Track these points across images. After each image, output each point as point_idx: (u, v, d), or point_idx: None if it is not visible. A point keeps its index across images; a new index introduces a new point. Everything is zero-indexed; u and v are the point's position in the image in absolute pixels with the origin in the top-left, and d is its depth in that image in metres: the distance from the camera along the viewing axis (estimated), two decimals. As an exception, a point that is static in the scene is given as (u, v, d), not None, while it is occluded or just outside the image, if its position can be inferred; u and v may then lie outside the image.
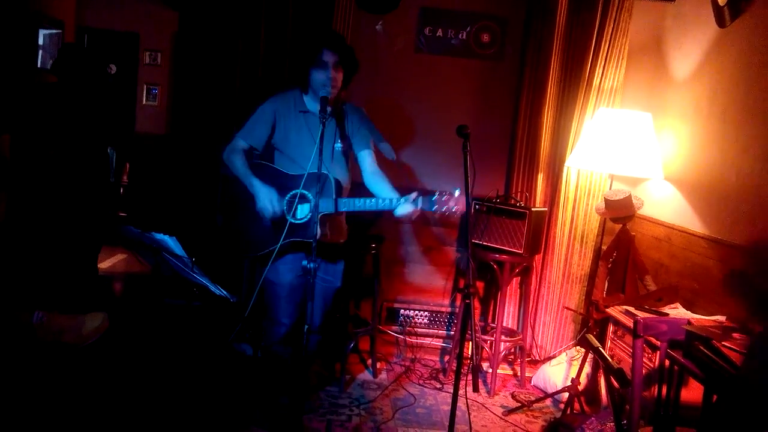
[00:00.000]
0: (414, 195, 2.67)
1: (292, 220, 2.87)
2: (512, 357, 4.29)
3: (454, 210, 2.59)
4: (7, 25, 3.49)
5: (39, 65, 3.91)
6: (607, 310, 3.24)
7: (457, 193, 2.58)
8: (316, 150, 2.65)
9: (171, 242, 2.54)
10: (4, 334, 2.82)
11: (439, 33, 4.21)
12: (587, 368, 3.53)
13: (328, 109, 2.86)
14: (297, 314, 3.05)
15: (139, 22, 4.11)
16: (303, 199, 2.89)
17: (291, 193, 2.90)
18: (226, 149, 3.04)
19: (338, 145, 3.02)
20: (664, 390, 2.29)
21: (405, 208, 2.68)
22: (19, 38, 3.54)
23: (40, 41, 3.89)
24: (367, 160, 3.05)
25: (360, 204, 2.80)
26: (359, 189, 3.04)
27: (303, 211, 2.90)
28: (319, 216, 2.72)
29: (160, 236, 2.55)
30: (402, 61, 4.23)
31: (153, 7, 4.20)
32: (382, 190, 2.92)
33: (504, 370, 4.19)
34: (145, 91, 4.20)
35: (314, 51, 2.89)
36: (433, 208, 2.60)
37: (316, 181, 2.63)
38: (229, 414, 3.16)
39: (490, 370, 3.87)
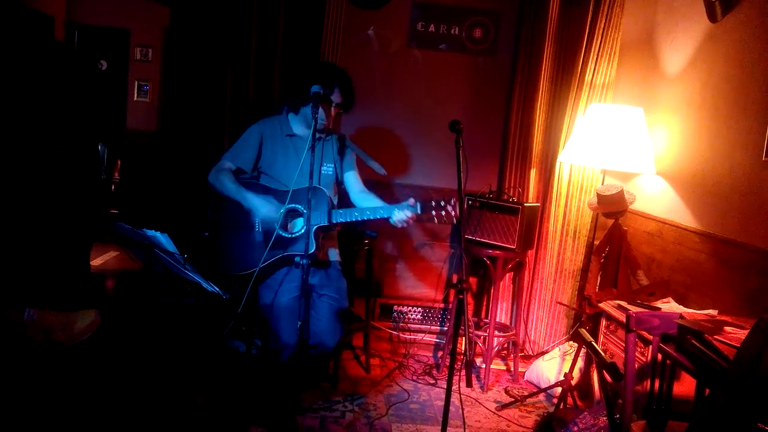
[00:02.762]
0: (411, 201, 2.75)
1: (286, 234, 2.91)
2: (505, 352, 4.30)
3: (453, 220, 2.71)
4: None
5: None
6: (599, 304, 3.25)
7: (450, 205, 2.68)
8: (306, 169, 2.66)
9: (163, 239, 2.53)
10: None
11: (432, 28, 4.21)
12: (580, 363, 3.54)
13: (318, 135, 2.94)
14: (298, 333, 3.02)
15: (130, 18, 4.09)
16: (296, 213, 2.93)
17: (284, 207, 2.90)
18: (211, 171, 3.05)
19: (325, 169, 3.09)
20: (657, 384, 2.30)
21: (402, 214, 2.75)
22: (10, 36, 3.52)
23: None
24: (353, 180, 3.15)
25: (357, 214, 2.86)
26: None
27: (297, 225, 2.95)
28: (315, 229, 2.81)
29: (151, 233, 2.54)
30: (394, 56, 4.22)
31: (144, 2, 4.17)
32: (374, 203, 2.99)
33: (497, 365, 4.20)
34: (136, 88, 4.18)
35: (327, 84, 2.93)
36: (431, 213, 2.71)
37: (309, 195, 2.66)
38: (224, 411, 3.15)
39: (484, 366, 3.88)
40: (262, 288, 3.00)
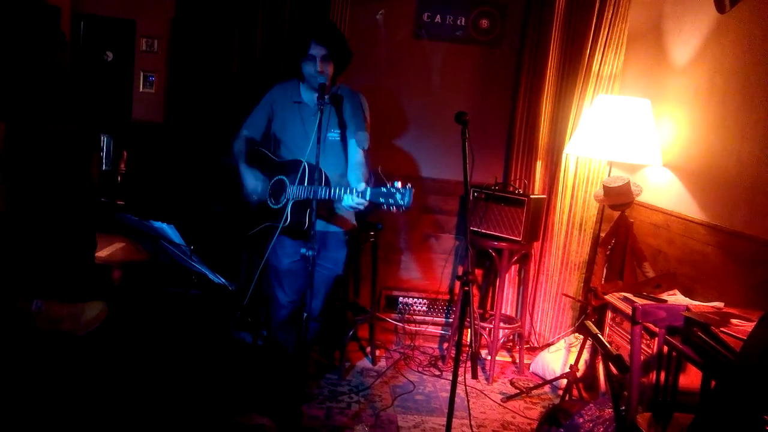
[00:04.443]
0: (362, 186, 2.51)
1: (271, 205, 2.96)
2: (511, 344, 4.30)
3: (402, 207, 2.39)
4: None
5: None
6: (605, 296, 3.24)
7: (400, 192, 2.39)
8: (313, 139, 2.63)
9: (169, 230, 2.54)
10: (2, 322, 2.82)
11: (438, 19, 4.19)
12: (585, 355, 3.54)
13: (319, 100, 2.72)
14: (298, 296, 3.10)
15: (136, 9, 4.07)
16: (284, 185, 2.93)
17: (274, 179, 2.97)
18: (233, 138, 3.14)
19: (331, 135, 3.01)
20: (663, 376, 2.30)
21: (350, 199, 2.53)
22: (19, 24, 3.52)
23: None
24: (354, 149, 2.98)
25: (308, 193, 2.70)
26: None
27: (283, 198, 2.93)
28: (293, 203, 2.78)
29: (158, 224, 2.54)
30: (400, 47, 4.21)
31: (149, -7, 4.17)
32: (352, 180, 2.84)
33: (503, 357, 4.21)
34: (142, 79, 4.17)
35: (302, 43, 2.86)
36: (381, 201, 2.43)
37: (294, 168, 2.75)
38: (230, 401, 3.17)
39: (489, 357, 3.88)
40: (266, 250, 2.96)
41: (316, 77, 2.84)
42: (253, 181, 3.00)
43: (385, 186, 2.43)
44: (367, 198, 2.48)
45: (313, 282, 2.66)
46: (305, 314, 2.63)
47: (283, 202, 2.88)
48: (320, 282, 3.04)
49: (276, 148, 3.12)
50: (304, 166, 2.74)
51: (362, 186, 2.50)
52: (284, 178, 2.91)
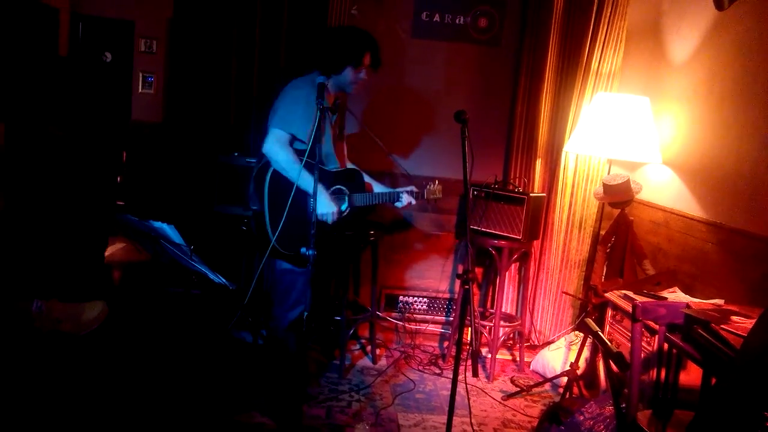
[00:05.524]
0: (413, 187, 3.16)
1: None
2: (511, 342, 4.31)
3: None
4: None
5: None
6: (605, 294, 3.25)
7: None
8: (328, 140, 2.97)
9: (169, 230, 2.54)
10: (2, 322, 2.82)
11: (437, 18, 4.19)
12: (586, 353, 3.54)
13: (337, 102, 3.14)
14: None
15: (135, 10, 4.07)
16: (341, 193, 3.10)
17: (332, 188, 3.07)
18: (268, 141, 2.88)
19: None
20: (663, 373, 2.30)
21: (407, 198, 3.13)
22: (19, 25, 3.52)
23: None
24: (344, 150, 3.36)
25: (377, 198, 3.15)
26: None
27: (343, 207, 3.10)
28: (350, 210, 3.10)
29: (158, 224, 2.55)
30: (399, 45, 4.20)
31: (148, -7, 4.17)
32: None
33: (503, 355, 4.21)
34: (140, 79, 4.17)
35: (359, 51, 3.03)
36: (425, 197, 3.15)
37: (349, 176, 3.02)
38: (231, 401, 3.17)
39: (489, 356, 3.89)
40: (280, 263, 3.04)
41: (356, 84, 3.09)
42: (330, 206, 2.91)
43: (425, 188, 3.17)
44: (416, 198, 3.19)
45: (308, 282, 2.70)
46: (305, 313, 2.63)
47: (347, 210, 3.12)
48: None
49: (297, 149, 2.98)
50: (358, 172, 3.16)
51: (413, 187, 3.19)
52: (342, 187, 3.08)
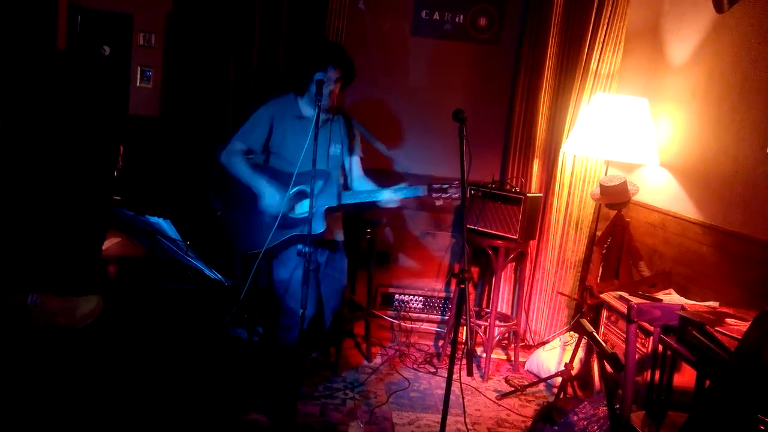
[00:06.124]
0: (403, 184, 2.91)
1: (293, 215, 2.97)
2: (506, 342, 4.31)
3: (454, 198, 2.81)
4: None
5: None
6: (601, 295, 3.25)
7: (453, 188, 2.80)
8: (320, 152, 2.77)
9: (165, 225, 2.53)
10: (-3, 316, 2.82)
11: (436, 16, 4.18)
12: (580, 353, 3.55)
13: (323, 115, 2.94)
14: (314, 309, 3.06)
15: (133, 3, 4.06)
16: (303, 195, 2.98)
17: (294, 189, 2.97)
18: (223, 152, 3.07)
19: (333, 150, 3.10)
20: (657, 375, 2.31)
21: (396, 194, 2.89)
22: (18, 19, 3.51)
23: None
24: (356, 165, 3.21)
25: (365, 195, 2.97)
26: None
27: (303, 207, 2.99)
28: (323, 210, 2.89)
29: (154, 219, 2.54)
30: (398, 44, 4.20)
31: (147, -14, 4.15)
32: (368, 187, 3.10)
33: (498, 354, 4.21)
34: (139, 73, 4.16)
35: (319, 64, 2.92)
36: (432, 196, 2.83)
37: (317, 177, 2.77)
38: (225, 397, 3.17)
39: (484, 355, 3.89)
40: (276, 264, 3.03)
41: (326, 98, 2.92)
42: (274, 195, 2.93)
43: (434, 184, 2.85)
44: (423, 193, 2.88)
45: (318, 286, 2.75)
46: (301, 311, 2.63)
47: (305, 212, 2.92)
48: (330, 293, 3.09)
49: (271, 162, 3.10)
50: (330, 173, 2.96)
51: (403, 184, 2.92)
52: (305, 188, 2.94)
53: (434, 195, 2.83)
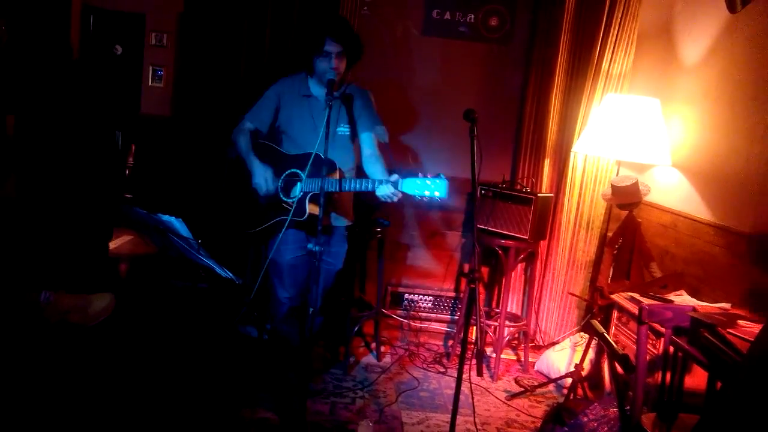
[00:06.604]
0: (395, 177, 2.57)
1: (285, 199, 2.94)
2: (516, 342, 4.30)
3: (437, 198, 2.46)
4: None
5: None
6: (611, 296, 3.24)
7: (439, 180, 2.46)
8: (321, 133, 2.64)
9: (177, 224, 2.54)
10: (11, 313, 2.84)
11: (447, 16, 4.18)
12: (591, 354, 3.54)
13: (334, 93, 2.79)
14: (297, 292, 3.08)
15: (145, 3, 4.09)
16: (296, 178, 2.93)
17: (286, 172, 2.96)
18: (235, 130, 3.10)
19: (341, 129, 3.04)
20: (668, 376, 2.30)
21: (385, 189, 2.59)
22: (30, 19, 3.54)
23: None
24: (367, 142, 3.03)
25: (346, 185, 2.76)
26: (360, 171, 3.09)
27: (295, 191, 2.93)
28: (310, 195, 2.81)
29: (166, 218, 2.55)
30: (409, 44, 4.20)
31: (159, -14, 4.18)
32: (374, 172, 2.90)
33: (508, 355, 4.20)
34: (150, 73, 4.18)
35: (317, 40, 2.86)
36: (415, 194, 2.49)
37: (312, 163, 2.69)
38: (235, 395, 3.18)
39: (494, 355, 3.88)
40: (270, 245, 3.01)
41: (329, 73, 2.85)
42: (263, 174, 2.93)
43: (418, 176, 2.48)
44: (400, 189, 2.54)
45: (318, 277, 2.68)
46: (311, 309, 2.64)
47: (299, 196, 2.86)
48: (321, 276, 3.01)
49: (280, 141, 3.10)
50: (317, 156, 2.73)
51: (395, 176, 2.55)
52: (298, 171, 2.90)
53: (417, 197, 2.50)
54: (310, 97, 3.03)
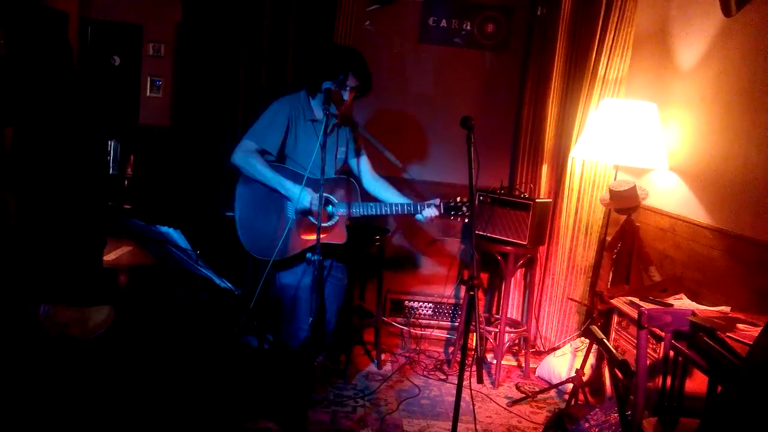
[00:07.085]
0: (437, 200, 2.89)
1: (325, 224, 2.89)
2: (516, 348, 4.30)
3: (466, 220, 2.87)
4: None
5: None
6: (611, 301, 3.24)
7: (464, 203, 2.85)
8: (329, 157, 2.83)
9: (175, 235, 2.55)
10: (10, 326, 2.84)
11: (443, 23, 4.20)
12: (591, 359, 3.53)
13: (333, 121, 2.90)
14: (314, 315, 3.04)
15: (143, 14, 4.11)
16: (327, 203, 2.95)
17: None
18: (236, 153, 2.92)
19: (340, 154, 3.09)
20: (669, 381, 2.29)
21: (430, 212, 2.88)
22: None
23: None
24: (364, 164, 3.17)
25: (387, 208, 2.95)
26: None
27: (333, 216, 2.96)
28: (347, 218, 2.94)
29: (164, 229, 2.55)
30: (405, 51, 4.22)
31: (157, -3, 4.20)
32: (391, 196, 3.10)
33: (508, 361, 4.20)
34: (149, 83, 4.20)
35: (339, 70, 2.86)
36: (451, 215, 2.88)
37: (339, 185, 2.83)
38: (236, 405, 3.18)
39: (495, 362, 3.88)
40: (283, 270, 2.97)
41: (335, 110, 2.88)
42: (308, 195, 2.85)
43: (454, 201, 2.89)
44: (444, 212, 2.89)
45: (324, 289, 2.74)
46: (310, 318, 2.64)
47: (336, 219, 2.93)
48: (334, 293, 3.06)
49: (286, 164, 3.03)
50: (347, 180, 2.95)
51: (437, 200, 2.90)
52: (331, 197, 2.93)
53: (452, 215, 2.88)
54: (315, 122, 2.99)
